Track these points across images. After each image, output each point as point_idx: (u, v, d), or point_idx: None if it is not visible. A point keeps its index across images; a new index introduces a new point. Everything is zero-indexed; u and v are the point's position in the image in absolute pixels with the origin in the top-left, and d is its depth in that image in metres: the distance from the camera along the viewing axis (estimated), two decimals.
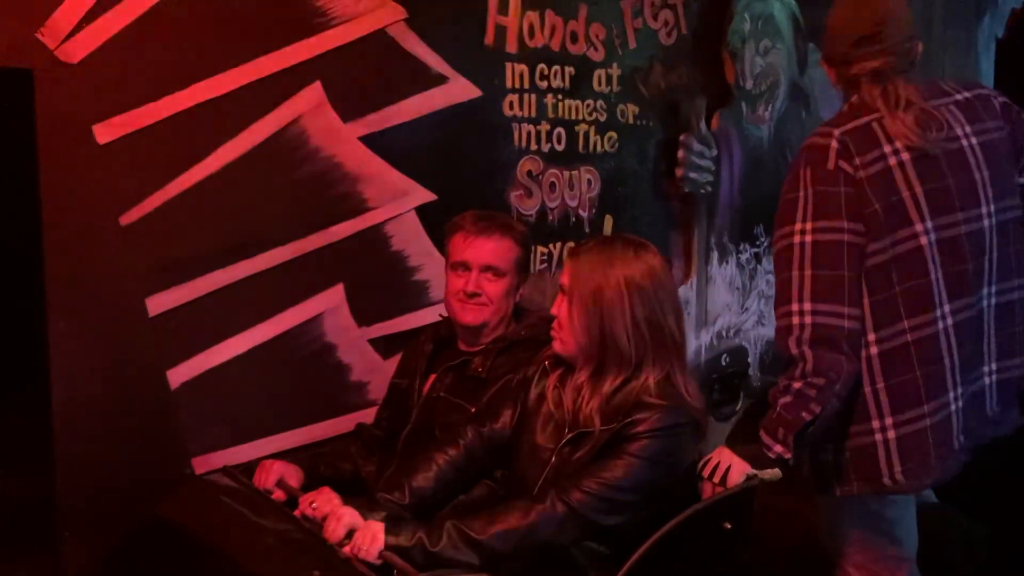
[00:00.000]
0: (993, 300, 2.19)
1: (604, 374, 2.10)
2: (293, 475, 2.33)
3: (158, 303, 2.43)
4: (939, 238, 2.10)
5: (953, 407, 2.13)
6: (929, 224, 2.09)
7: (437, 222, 2.71)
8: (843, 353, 2.04)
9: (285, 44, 2.58)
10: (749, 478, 2.06)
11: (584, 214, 3.41)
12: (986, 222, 2.15)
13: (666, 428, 2.03)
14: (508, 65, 3.12)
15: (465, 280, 2.42)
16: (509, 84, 3.13)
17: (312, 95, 2.65)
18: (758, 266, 4.13)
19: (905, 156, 2.10)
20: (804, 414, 2.03)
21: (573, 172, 3.37)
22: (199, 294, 2.49)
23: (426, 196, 2.90)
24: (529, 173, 3.22)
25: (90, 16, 2.27)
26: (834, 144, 2.09)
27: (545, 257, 3.28)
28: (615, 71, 3.45)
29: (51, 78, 2.23)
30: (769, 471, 2.06)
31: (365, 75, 2.75)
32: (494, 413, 2.27)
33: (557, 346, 2.17)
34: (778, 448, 2.05)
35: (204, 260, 2.50)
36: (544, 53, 3.22)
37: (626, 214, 3.54)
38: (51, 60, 2.22)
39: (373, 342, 2.85)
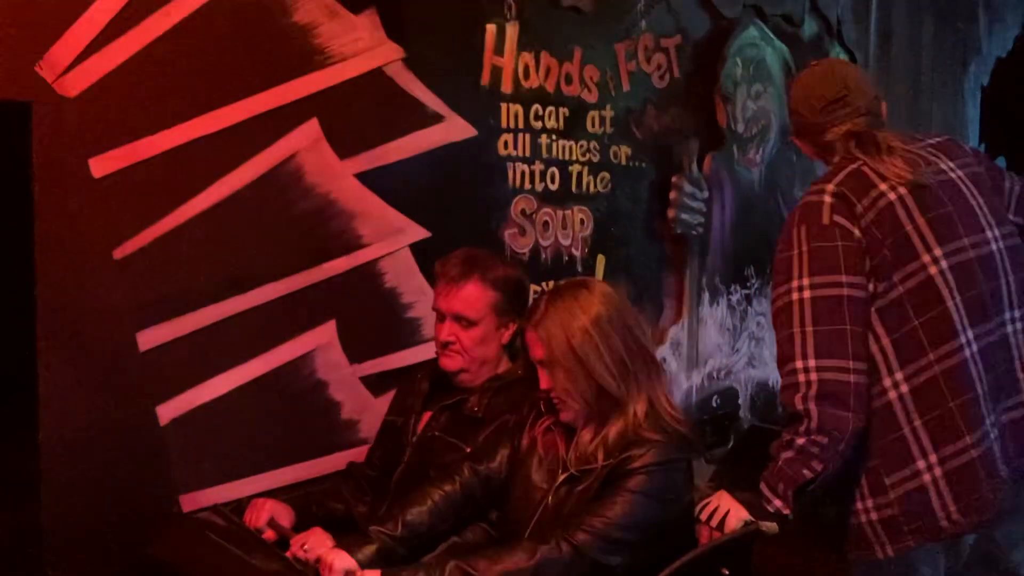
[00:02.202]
0: (1020, 325, 2.14)
1: (606, 423, 2.09)
2: (284, 514, 2.29)
3: (149, 338, 2.41)
4: (951, 265, 2.06)
5: (992, 435, 2.06)
6: (938, 252, 2.06)
7: (431, 259, 2.69)
8: (850, 410, 1.99)
9: (282, 81, 2.59)
10: (747, 524, 2.03)
11: (577, 253, 3.42)
12: (994, 246, 2.13)
13: (663, 463, 2.03)
14: (503, 105, 3.14)
15: (440, 328, 2.42)
16: (504, 124, 3.15)
17: (309, 132, 2.65)
18: (749, 308, 4.14)
19: (902, 191, 2.08)
20: (806, 471, 2.00)
21: (566, 211, 3.38)
22: (190, 329, 2.47)
23: (420, 233, 2.91)
24: (523, 212, 3.23)
25: (89, 50, 2.27)
26: (827, 200, 2.07)
27: (537, 296, 3.26)
28: (608, 113, 3.48)
29: (49, 111, 2.22)
30: (767, 523, 2.03)
31: (362, 113, 2.76)
32: (489, 453, 2.25)
33: (568, 416, 2.14)
34: (777, 503, 2.02)
35: (196, 295, 2.48)
36: (539, 94, 3.24)
37: (618, 254, 3.55)
38: (49, 93, 2.22)
39: (365, 379, 2.83)
